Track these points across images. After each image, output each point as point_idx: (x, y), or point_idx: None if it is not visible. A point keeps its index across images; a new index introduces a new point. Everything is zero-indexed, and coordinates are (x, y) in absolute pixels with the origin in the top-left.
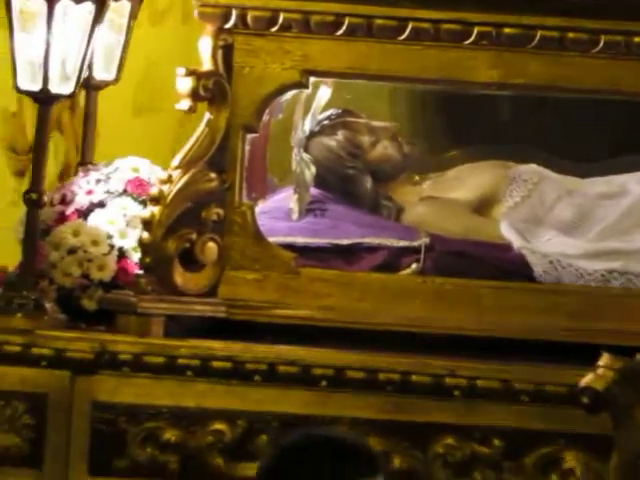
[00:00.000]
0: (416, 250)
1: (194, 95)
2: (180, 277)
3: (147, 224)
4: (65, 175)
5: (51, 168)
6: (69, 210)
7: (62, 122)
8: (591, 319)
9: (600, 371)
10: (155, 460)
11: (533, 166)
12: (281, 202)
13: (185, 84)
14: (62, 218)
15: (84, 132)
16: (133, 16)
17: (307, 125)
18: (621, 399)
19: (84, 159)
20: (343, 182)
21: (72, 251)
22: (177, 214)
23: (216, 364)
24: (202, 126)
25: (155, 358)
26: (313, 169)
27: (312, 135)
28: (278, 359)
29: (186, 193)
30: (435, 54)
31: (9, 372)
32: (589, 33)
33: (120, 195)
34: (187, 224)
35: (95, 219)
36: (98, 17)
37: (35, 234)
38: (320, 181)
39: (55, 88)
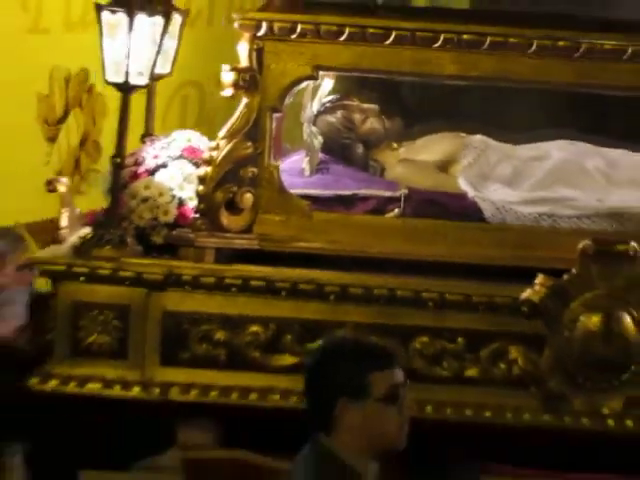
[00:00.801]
0: (397, 199)
1: (235, 85)
2: (225, 219)
3: (202, 180)
4: (85, 142)
5: (74, 137)
6: (140, 170)
7: (82, 101)
8: (527, 249)
9: (536, 287)
10: (209, 354)
11: (480, 136)
12: (295, 164)
13: (228, 77)
14: (135, 176)
15: (146, 112)
16: (183, 25)
17: (315, 106)
18: (551, 308)
19: (147, 131)
20: (342, 149)
21: (144, 200)
22: (223, 173)
23: (253, 283)
24: (241, 108)
25: (208, 279)
26: (320, 139)
27: (318, 114)
28: (299, 279)
29: (230, 157)
30: (412, 54)
31: (102, 289)
32: (525, 38)
33: (178, 158)
34: (230, 180)
35: (160, 176)
36: (165, 27)
37: (118, 187)
38: (325, 148)
39: (133, 80)
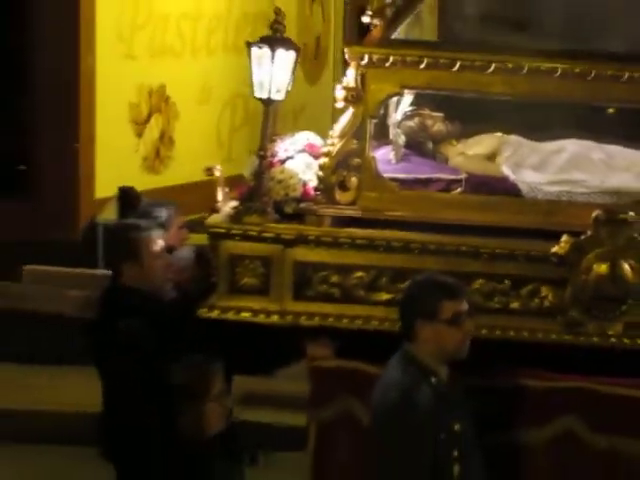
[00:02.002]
0: (459, 181)
1: (345, 99)
2: (338, 195)
3: (321, 167)
4: (163, 137)
5: (155, 133)
6: (275, 160)
7: (161, 108)
8: (553, 217)
9: (562, 244)
10: (327, 292)
11: (515, 136)
12: (383, 156)
13: (340, 93)
14: (272, 164)
15: (273, 120)
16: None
17: (399, 114)
18: (572, 259)
19: (274, 132)
20: (418, 145)
21: (279, 181)
22: (336, 162)
23: (359, 241)
24: (349, 116)
25: (326, 238)
26: (403, 138)
27: (402, 120)
28: (391, 238)
29: (341, 151)
30: (472, 76)
31: (251, 246)
32: (552, 66)
33: (301, 152)
34: (342, 167)
35: (289, 165)
36: (296, 58)
37: (262, 172)
38: (406, 144)
39: (273, 96)
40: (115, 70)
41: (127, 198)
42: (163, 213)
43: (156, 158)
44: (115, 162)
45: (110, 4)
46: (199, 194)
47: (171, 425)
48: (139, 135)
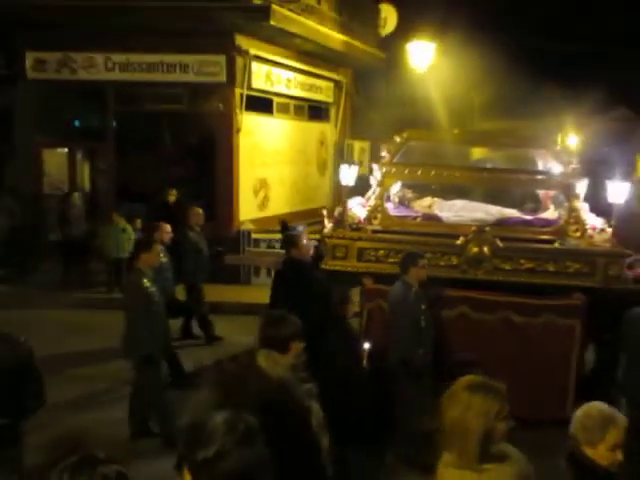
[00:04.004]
0: (419, 216)
1: (376, 184)
2: (373, 221)
3: (368, 211)
4: (264, 198)
5: (262, 196)
6: (348, 208)
7: (264, 186)
8: (456, 230)
9: (460, 240)
10: (369, 258)
11: (439, 199)
12: (390, 206)
13: (373, 181)
14: (346, 210)
15: (345, 193)
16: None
17: (394, 190)
18: (465, 246)
19: (341, 198)
20: (402, 202)
21: (350, 217)
22: (372, 209)
23: (381, 238)
24: (377, 191)
25: (369, 237)
26: (397, 199)
27: (396, 192)
28: (393, 237)
29: (374, 206)
30: (425, 176)
31: (339, 241)
32: (457, 173)
33: (358, 204)
34: (375, 211)
35: (353, 210)
36: (360, 169)
37: (343, 213)
38: (398, 202)
39: (349, 184)
40: (246, 171)
41: (284, 224)
42: (300, 228)
43: (262, 205)
44: (247, 206)
45: (245, 146)
46: (278, 219)
47: (334, 311)
48: (255, 196)
